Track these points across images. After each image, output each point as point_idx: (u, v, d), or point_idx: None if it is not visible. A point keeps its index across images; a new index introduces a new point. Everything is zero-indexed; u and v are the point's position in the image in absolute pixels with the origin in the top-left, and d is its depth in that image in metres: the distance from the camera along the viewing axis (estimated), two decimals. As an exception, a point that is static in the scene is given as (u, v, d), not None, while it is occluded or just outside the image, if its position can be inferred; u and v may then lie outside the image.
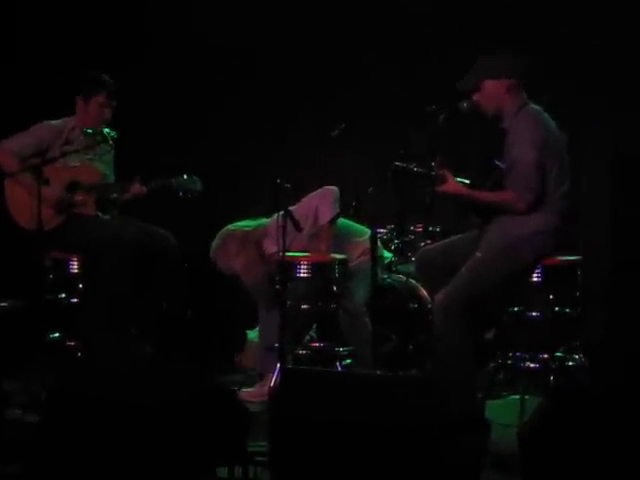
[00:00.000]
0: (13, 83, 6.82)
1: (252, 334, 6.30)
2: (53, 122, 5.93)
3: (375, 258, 5.19)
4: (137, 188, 5.88)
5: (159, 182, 5.91)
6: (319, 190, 5.79)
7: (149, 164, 6.23)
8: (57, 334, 5.81)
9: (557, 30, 6.30)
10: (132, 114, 6.11)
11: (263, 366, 5.78)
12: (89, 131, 5.82)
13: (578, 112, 6.05)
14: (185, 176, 5.89)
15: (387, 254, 5.98)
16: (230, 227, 5.86)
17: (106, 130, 5.88)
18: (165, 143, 6.98)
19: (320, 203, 5.71)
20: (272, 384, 5.40)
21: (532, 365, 5.16)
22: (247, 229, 5.83)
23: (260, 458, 3.99)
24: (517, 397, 5.15)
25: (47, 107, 6.14)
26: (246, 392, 5.69)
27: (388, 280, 5.96)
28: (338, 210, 5.68)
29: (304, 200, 5.75)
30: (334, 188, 5.78)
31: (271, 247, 5.64)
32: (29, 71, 6.88)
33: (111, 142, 5.90)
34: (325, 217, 5.67)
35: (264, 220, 5.86)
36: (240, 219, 6.02)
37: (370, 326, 5.56)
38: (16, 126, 5.90)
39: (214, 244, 5.84)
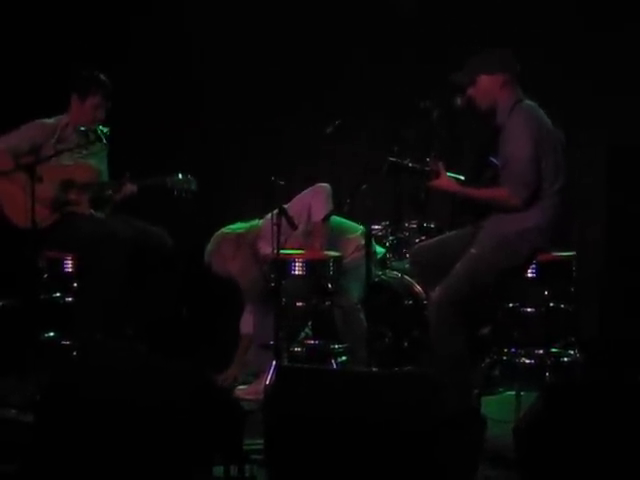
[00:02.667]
0: (5, 81, 6.80)
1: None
2: (46, 120, 5.92)
3: (370, 255, 5.18)
4: (128, 188, 5.88)
5: (153, 180, 5.90)
6: (311, 188, 5.79)
7: (143, 163, 6.22)
8: (52, 333, 5.80)
9: (551, 26, 6.30)
10: (125, 112, 6.10)
11: (258, 364, 5.78)
12: (82, 129, 5.81)
13: (574, 108, 6.05)
14: (180, 175, 5.89)
15: (380, 249, 5.98)
16: (223, 230, 5.85)
17: (99, 127, 5.86)
18: (158, 142, 6.98)
19: (313, 200, 5.71)
20: (267, 382, 5.40)
21: (527, 361, 5.15)
22: (240, 231, 5.83)
23: (256, 456, 3.99)
24: (513, 393, 5.14)
25: (39, 105, 6.12)
26: (241, 390, 5.69)
27: (383, 277, 5.95)
28: (331, 207, 5.67)
29: (296, 198, 5.75)
30: (326, 185, 5.77)
31: (265, 248, 5.63)
32: (21, 69, 6.87)
33: (105, 141, 5.89)
34: (319, 214, 5.66)
35: (257, 221, 5.86)
36: (235, 217, 6.02)
37: (365, 323, 5.55)
38: (8, 124, 5.88)
39: (208, 248, 5.83)
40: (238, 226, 5.87)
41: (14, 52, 6.91)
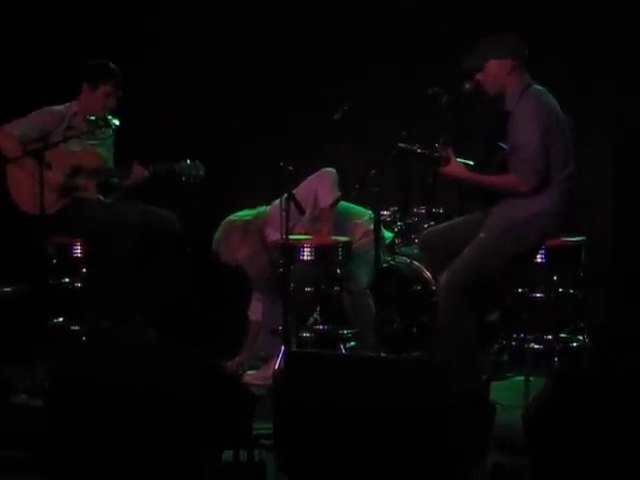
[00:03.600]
0: (16, 68, 6.81)
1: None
2: (55, 107, 5.93)
3: (378, 240, 5.17)
4: (139, 173, 5.88)
5: (162, 167, 5.91)
6: (317, 173, 5.77)
7: (151, 150, 6.23)
8: (61, 319, 5.82)
9: (559, 16, 6.28)
10: (134, 100, 6.10)
11: (267, 349, 5.78)
12: (92, 118, 5.81)
13: (583, 96, 6.03)
14: (188, 161, 5.90)
15: (388, 234, 5.97)
16: (230, 218, 5.84)
17: (109, 117, 5.86)
18: (167, 129, 6.97)
19: (319, 186, 5.70)
20: (276, 367, 5.41)
21: (536, 346, 5.15)
22: (247, 218, 5.81)
23: (265, 441, 4.00)
24: (521, 378, 5.15)
25: (50, 92, 6.12)
26: (250, 375, 5.70)
27: (392, 262, 5.95)
28: (338, 193, 5.66)
29: (303, 184, 5.73)
30: (332, 170, 5.76)
31: (273, 234, 5.62)
32: (32, 56, 6.87)
33: (113, 127, 5.90)
34: (326, 200, 5.65)
35: (264, 208, 5.85)
36: (243, 203, 6.01)
37: (374, 308, 5.55)
38: (18, 111, 5.89)
39: (216, 237, 5.81)
40: (245, 213, 5.86)
41: (25, 40, 6.91)
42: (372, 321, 5.48)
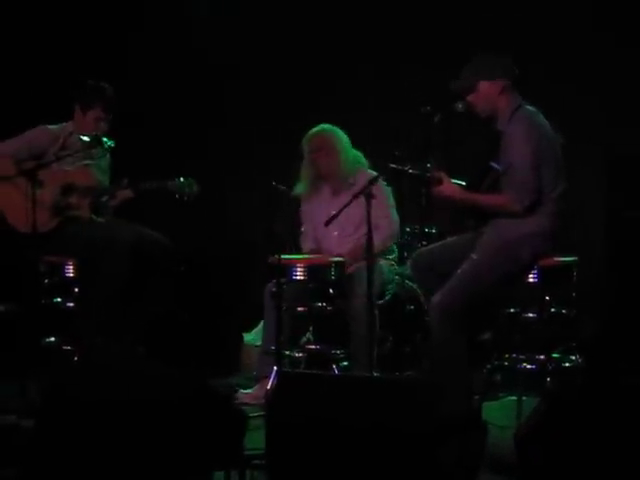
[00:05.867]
0: (11, 87, 6.82)
1: (249, 337, 6.30)
2: (50, 127, 5.94)
3: (371, 259, 5.14)
4: (123, 193, 5.90)
5: (155, 184, 5.91)
6: (393, 217, 5.77)
7: (146, 168, 6.23)
8: (53, 338, 5.80)
9: (549, 33, 6.32)
10: (129, 119, 6.11)
11: (260, 369, 5.77)
12: (85, 139, 5.79)
13: (573, 114, 6.06)
14: (181, 179, 5.89)
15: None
16: None
17: (104, 138, 5.86)
18: (161, 147, 6.99)
19: (379, 230, 5.55)
20: (269, 387, 5.40)
21: (529, 366, 5.15)
22: None
23: (257, 461, 3.98)
24: (514, 398, 5.14)
25: (46, 111, 6.13)
26: (243, 394, 5.69)
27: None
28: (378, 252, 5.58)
29: (382, 201, 5.66)
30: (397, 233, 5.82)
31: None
32: (28, 75, 6.89)
33: (107, 147, 5.90)
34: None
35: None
36: (237, 221, 6.01)
37: (377, 323, 5.46)
38: (13, 130, 5.90)
39: None
40: None
41: (21, 57, 6.94)
42: (371, 338, 5.40)
